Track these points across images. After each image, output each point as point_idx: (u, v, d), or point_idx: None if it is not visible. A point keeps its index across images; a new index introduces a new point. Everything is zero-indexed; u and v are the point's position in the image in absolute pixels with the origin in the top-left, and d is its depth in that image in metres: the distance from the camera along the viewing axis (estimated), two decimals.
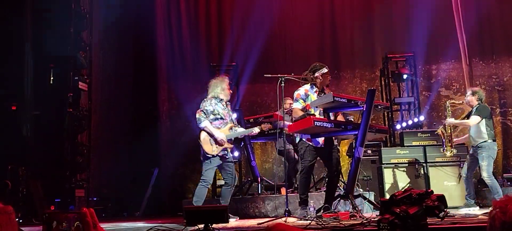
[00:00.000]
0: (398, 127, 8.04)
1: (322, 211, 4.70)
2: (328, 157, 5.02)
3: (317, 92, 5.17)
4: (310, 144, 4.95)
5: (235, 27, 9.06)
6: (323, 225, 3.77)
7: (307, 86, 5.21)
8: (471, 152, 6.02)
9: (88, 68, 8.23)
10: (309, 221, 4.00)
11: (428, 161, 6.84)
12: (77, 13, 7.87)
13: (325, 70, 5.17)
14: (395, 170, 6.91)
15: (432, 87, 8.90)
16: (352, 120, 5.67)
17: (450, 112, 6.24)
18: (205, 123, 5.23)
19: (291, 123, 5.08)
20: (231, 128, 5.44)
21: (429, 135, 7.15)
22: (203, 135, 5.25)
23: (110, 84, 9.08)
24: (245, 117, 6.94)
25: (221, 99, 5.45)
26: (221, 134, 5.26)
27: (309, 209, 4.80)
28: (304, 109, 5.06)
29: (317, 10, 9.49)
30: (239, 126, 5.83)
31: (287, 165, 5.93)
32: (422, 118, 7.96)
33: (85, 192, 7.75)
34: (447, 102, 6.38)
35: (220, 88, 5.43)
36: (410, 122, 7.92)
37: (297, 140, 5.20)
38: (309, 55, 8.95)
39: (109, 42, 9.04)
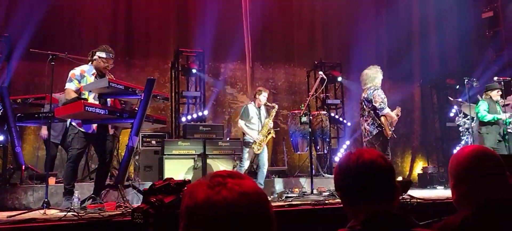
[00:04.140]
0: (183, 119, 8.27)
1: (87, 201, 4.45)
2: (100, 144, 4.78)
3: (95, 75, 4.87)
4: (81, 129, 4.63)
5: None
6: (79, 217, 3.54)
7: (86, 67, 4.87)
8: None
9: None
10: (65, 213, 3.71)
11: (207, 153, 7.19)
12: None
13: (103, 54, 4.87)
14: (176, 161, 7.06)
15: (218, 84, 9.46)
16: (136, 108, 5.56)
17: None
18: (387, 110, 5.93)
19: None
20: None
21: (210, 128, 7.56)
22: (383, 119, 5.92)
23: None
24: (12, 96, 6.08)
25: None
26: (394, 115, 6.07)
27: (74, 200, 4.48)
28: (78, 91, 4.70)
29: None
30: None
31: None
32: (206, 112, 8.37)
33: None
34: None
35: (378, 80, 6.08)
36: (194, 115, 8.24)
37: (68, 124, 4.80)
38: (100, 37, 8.42)
39: None
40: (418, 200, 4.24)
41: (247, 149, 6.60)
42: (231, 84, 9.73)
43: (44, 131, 6.60)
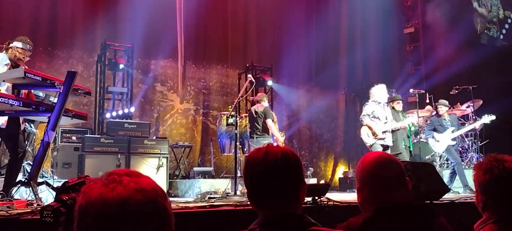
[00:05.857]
0: (107, 115, 7.97)
1: None
2: (11, 139, 4.48)
3: (9, 66, 4.56)
4: None
5: None
6: None
7: None
8: None
9: None
10: None
11: (131, 151, 6.98)
12: None
13: (20, 44, 4.59)
14: (98, 158, 6.79)
15: (147, 80, 9.23)
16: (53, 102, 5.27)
17: None
18: (367, 121, 6.63)
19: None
20: (384, 123, 6.67)
21: (135, 126, 7.34)
22: (362, 129, 6.72)
23: None
24: None
25: (379, 102, 6.70)
26: (378, 127, 6.59)
27: None
28: None
29: None
30: None
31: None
32: (132, 109, 8.13)
33: None
34: None
35: (378, 96, 6.70)
36: (120, 112, 7.97)
37: None
38: (21, 25, 7.94)
39: None
40: (335, 203, 4.43)
41: None
42: (161, 82, 9.55)
43: None
